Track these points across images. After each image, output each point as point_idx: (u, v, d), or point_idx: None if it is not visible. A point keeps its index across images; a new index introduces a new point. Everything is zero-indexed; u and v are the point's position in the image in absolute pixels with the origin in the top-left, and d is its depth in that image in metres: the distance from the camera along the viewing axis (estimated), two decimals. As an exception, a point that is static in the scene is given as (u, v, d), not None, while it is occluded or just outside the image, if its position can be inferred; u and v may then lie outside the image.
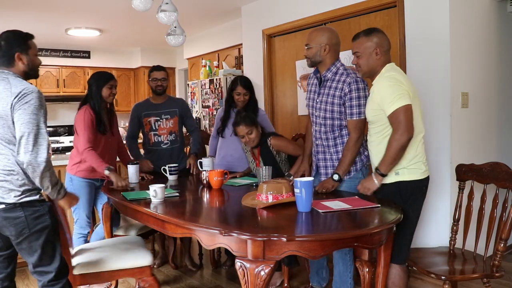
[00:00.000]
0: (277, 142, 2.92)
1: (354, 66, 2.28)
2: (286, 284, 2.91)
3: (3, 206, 1.86)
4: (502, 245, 2.06)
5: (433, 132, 3.06)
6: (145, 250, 2.36)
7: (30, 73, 2.04)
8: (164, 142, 3.32)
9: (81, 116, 2.88)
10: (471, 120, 3.20)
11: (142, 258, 2.26)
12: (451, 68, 2.97)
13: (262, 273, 1.66)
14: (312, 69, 2.61)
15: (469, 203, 2.35)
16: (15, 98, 1.83)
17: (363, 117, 2.35)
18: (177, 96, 7.48)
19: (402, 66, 3.21)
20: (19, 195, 1.87)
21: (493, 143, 3.50)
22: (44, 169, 1.82)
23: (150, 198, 2.28)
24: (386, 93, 2.07)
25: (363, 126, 2.39)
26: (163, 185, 2.31)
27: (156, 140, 3.32)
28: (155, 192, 2.25)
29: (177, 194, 2.46)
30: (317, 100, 2.49)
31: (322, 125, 2.47)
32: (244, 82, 3.18)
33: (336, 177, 2.38)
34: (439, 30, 2.99)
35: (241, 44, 5.05)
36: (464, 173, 2.39)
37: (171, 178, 2.98)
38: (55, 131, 6.93)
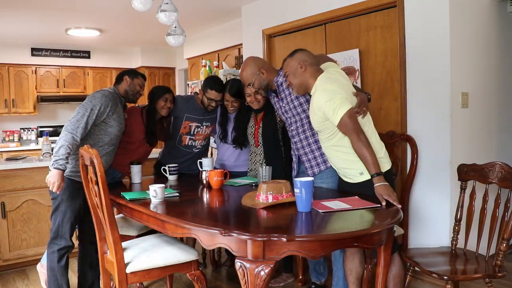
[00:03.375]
0: None
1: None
2: (301, 277, 3.04)
3: (50, 171, 2.50)
4: (504, 245, 2.05)
5: (433, 132, 3.05)
6: (186, 245, 2.35)
7: (130, 94, 2.85)
8: (197, 147, 3.23)
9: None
10: (471, 120, 3.19)
11: (189, 253, 2.24)
12: (451, 68, 2.97)
13: (262, 273, 1.65)
14: None
15: (471, 203, 2.35)
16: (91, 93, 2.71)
17: None
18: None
19: (402, 66, 3.20)
20: (54, 152, 2.50)
21: (493, 143, 3.49)
22: (61, 134, 2.51)
23: (150, 198, 2.28)
24: (327, 107, 2.15)
25: None
26: (163, 185, 2.30)
27: (189, 144, 3.21)
28: (155, 192, 2.24)
29: (177, 194, 2.45)
30: (283, 105, 2.65)
31: (298, 121, 2.59)
32: (232, 90, 2.99)
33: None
34: (439, 30, 2.98)
35: (241, 44, 5.05)
36: (465, 173, 2.38)
37: (171, 178, 2.97)
38: (55, 131, 6.92)
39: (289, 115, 2.64)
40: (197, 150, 3.24)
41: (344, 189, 2.38)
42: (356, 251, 2.33)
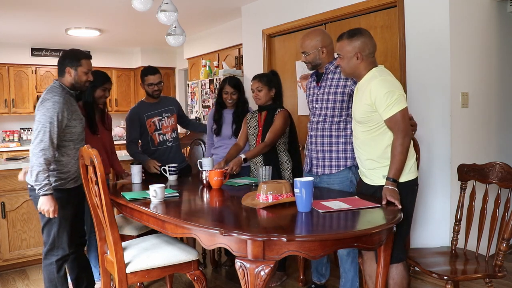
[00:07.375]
0: (277, 117, 2.93)
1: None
2: (302, 277, 3.07)
3: (28, 186, 2.44)
4: (504, 245, 2.05)
5: (433, 132, 3.05)
6: (186, 245, 2.35)
7: (77, 86, 2.49)
8: (169, 140, 3.36)
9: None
10: (471, 120, 3.20)
11: (189, 253, 2.24)
12: (451, 68, 2.97)
13: (262, 273, 1.65)
14: None
15: (471, 203, 2.35)
16: (39, 102, 2.39)
17: None
18: (177, 96, 7.48)
19: (402, 66, 3.20)
20: (33, 181, 2.33)
21: (493, 143, 3.49)
22: (31, 160, 2.28)
23: (150, 198, 2.28)
24: (383, 99, 2.04)
25: None
26: (163, 185, 2.30)
27: (161, 139, 3.33)
28: (155, 192, 2.24)
29: (177, 194, 2.45)
30: (318, 93, 2.58)
31: (322, 116, 2.54)
32: (232, 82, 3.28)
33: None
34: (439, 30, 2.98)
35: (241, 44, 5.05)
36: (465, 173, 2.38)
37: (171, 178, 2.98)
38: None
39: (317, 105, 2.56)
40: (170, 144, 3.36)
41: (360, 191, 2.32)
42: (373, 255, 2.25)
